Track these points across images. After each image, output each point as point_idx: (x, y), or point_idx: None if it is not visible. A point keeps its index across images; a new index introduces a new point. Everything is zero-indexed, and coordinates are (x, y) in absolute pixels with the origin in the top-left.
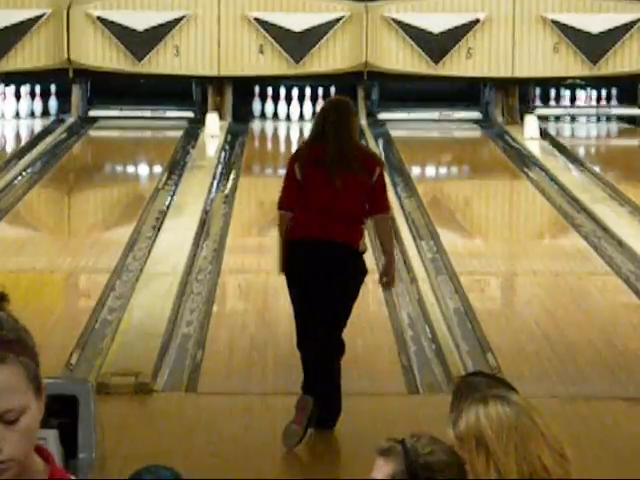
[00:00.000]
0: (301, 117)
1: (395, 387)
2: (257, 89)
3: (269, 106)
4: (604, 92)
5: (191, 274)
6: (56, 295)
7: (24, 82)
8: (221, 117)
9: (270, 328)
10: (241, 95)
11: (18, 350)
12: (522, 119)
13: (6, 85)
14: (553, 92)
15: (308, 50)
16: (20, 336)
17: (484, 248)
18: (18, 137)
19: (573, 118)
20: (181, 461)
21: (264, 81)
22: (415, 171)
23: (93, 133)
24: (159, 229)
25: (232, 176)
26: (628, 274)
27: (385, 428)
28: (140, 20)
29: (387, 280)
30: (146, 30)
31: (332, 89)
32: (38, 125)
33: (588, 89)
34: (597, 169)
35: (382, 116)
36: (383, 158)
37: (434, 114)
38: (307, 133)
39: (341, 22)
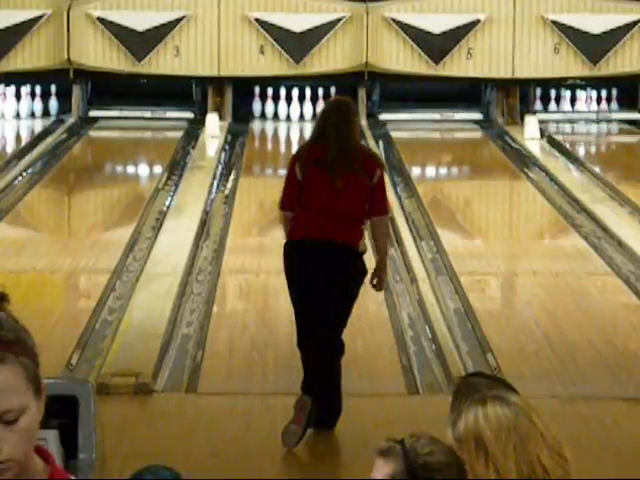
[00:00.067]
0: (301, 117)
1: (395, 387)
2: (257, 89)
3: (269, 106)
4: (604, 93)
5: (191, 274)
6: (56, 295)
7: (24, 82)
8: (221, 117)
9: (270, 328)
10: (241, 95)
11: (17, 350)
12: (522, 120)
13: (6, 85)
14: (553, 93)
15: (308, 50)
16: (20, 336)
17: (484, 248)
18: (18, 137)
19: (573, 121)
20: (181, 461)
21: (264, 81)
22: (415, 171)
23: (93, 133)
24: (159, 229)
25: (232, 176)
26: (628, 274)
27: (385, 428)
28: (140, 20)
29: (377, 281)
30: (146, 30)
31: (332, 90)
32: (38, 125)
33: (588, 89)
34: (597, 169)
35: (383, 117)
36: (383, 158)
37: (435, 115)
38: (307, 134)
39: (341, 22)
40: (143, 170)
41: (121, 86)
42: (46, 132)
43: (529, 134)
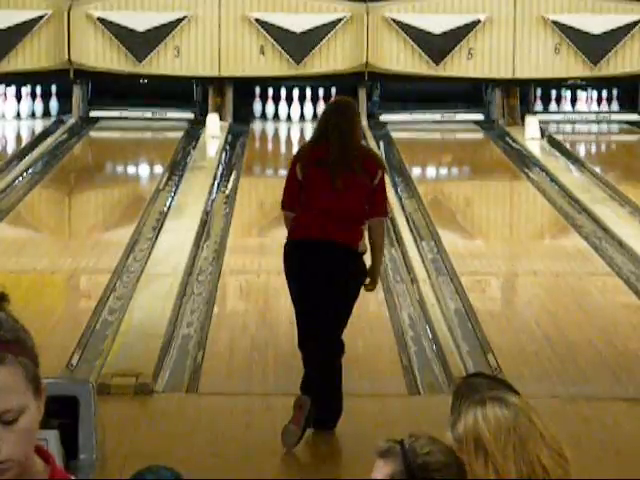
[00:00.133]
0: (302, 118)
1: (396, 388)
2: (258, 90)
3: (270, 107)
4: (605, 93)
5: (192, 275)
6: (57, 296)
7: (25, 83)
8: (222, 118)
9: (271, 329)
10: (242, 96)
11: (17, 350)
12: (523, 120)
13: (7, 86)
14: (554, 93)
15: (309, 51)
16: (19, 336)
17: (485, 249)
18: (19, 138)
19: (573, 122)
20: (182, 461)
21: (265, 82)
22: (416, 171)
23: (94, 134)
24: (160, 230)
25: (233, 177)
26: (628, 274)
27: (385, 428)
28: (141, 21)
29: (370, 282)
30: (147, 31)
31: (333, 90)
32: (39, 126)
33: (589, 90)
34: (597, 169)
35: (383, 118)
36: (384, 159)
37: (435, 115)
38: (308, 134)
39: (342, 23)
40: (144, 170)
41: (122, 86)
42: (47, 132)
43: (530, 134)
